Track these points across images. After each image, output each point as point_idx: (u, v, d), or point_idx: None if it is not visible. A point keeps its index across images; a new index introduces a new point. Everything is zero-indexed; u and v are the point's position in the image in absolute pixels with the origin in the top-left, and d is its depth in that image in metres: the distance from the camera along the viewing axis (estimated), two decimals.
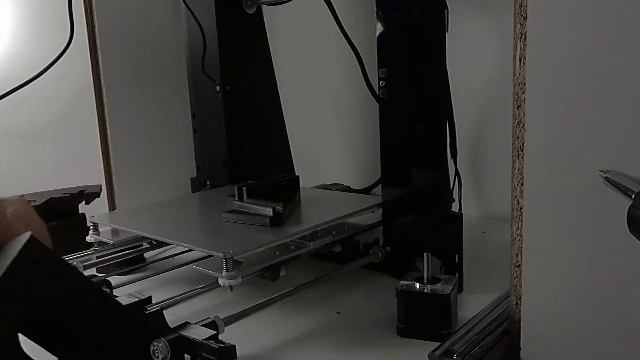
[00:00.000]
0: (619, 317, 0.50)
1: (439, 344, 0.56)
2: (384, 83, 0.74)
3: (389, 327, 0.64)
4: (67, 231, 0.85)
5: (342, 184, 1.14)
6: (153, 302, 0.55)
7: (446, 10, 0.71)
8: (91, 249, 0.78)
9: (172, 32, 1.10)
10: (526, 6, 0.51)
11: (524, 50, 0.51)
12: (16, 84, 0.94)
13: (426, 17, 0.71)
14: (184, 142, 1.12)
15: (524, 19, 0.51)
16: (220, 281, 0.62)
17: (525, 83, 0.52)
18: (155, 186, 1.09)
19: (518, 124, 0.53)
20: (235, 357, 0.49)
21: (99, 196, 0.94)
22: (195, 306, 0.69)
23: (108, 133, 1.03)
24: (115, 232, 0.80)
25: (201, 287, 0.68)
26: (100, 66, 1.01)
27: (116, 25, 1.03)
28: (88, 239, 0.79)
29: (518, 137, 0.53)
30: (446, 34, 0.71)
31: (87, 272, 0.74)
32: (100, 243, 0.79)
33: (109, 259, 0.78)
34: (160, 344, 0.49)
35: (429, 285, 0.62)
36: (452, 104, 0.78)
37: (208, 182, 1.09)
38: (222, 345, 0.49)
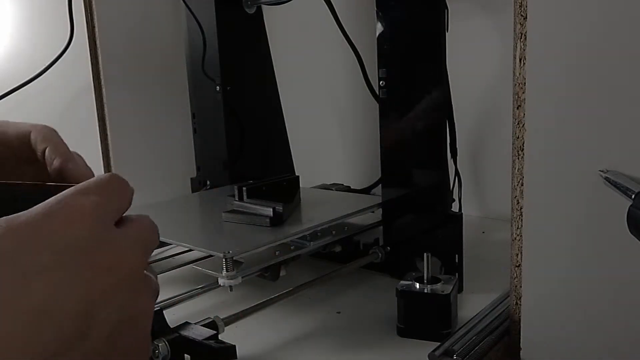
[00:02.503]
0: (619, 317, 0.50)
1: (439, 344, 0.56)
2: (384, 83, 0.74)
3: (389, 327, 0.64)
4: None
5: (342, 184, 1.14)
6: None
7: (446, 10, 0.71)
8: None
9: (172, 32, 1.10)
10: (526, 6, 0.51)
11: (524, 50, 0.51)
12: (16, 84, 0.94)
13: (426, 17, 0.71)
14: (184, 142, 1.12)
15: (524, 19, 0.51)
16: (220, 281, 0.62)
17: (525, 83, 0.52)
18: (155, 186, 1.09)
19: (518, 124, 0.53)
20: (235, 357, 0.49)
21: None
22: (195, 306, 0.69)
23: (108, 133, 1.03)
24: None
25: (201, 287, 0.68)
26: (100, 66, 1.01)
27: (116, 25, 1.03)
28: None
29: (518, 137, 0.53)
30: (446, 34, 0.71)
31: None
32: None
33: None
34: (160, 344, 0.49)
35: (429, 285, 0.62)
36: (452, 104, 0.78)
37: (208, 182, 1.09)
38: (222, 345, 0.49)
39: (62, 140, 0.36)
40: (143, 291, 0.27)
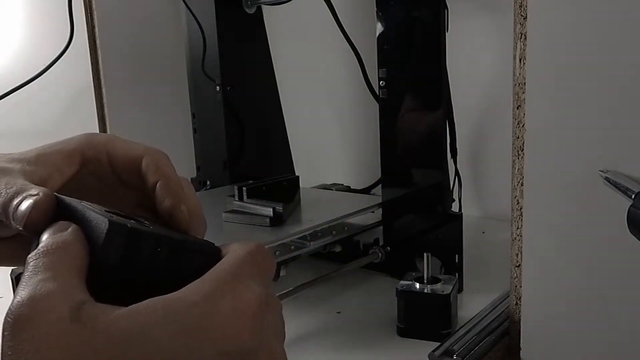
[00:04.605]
0: (618, 316, 0.50)
1: (439, 344, 0.56)
2: (384, 83, 0.74)
3: (389, 327, 0.64)
4: None
5: (342, 184, 1.14)
6: None
7: (446, 10, 0.71)
8: None
9: (172, 32, 1.10)
10: (526, 6, 0.51)
11: (524, 50, 0.51)
12: (16, 84, 0.94)
13: (426, 17, 0.71)
14: (184, 142, 1.12)
15: (524, 19, 0.51)
16: None
17: (525, 83, 0.52)
18: None
19: (518, 124, 0.53)
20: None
21: None
22: None
23: (108, 133, 1.03)
24: None
25: None
26: (100, 66, 1.01)
27: (116, 25, 1.03)
28: None
29: (518, 137, 0.53)
30: (446, 34, 0.71)
31: None
32: None
33: None
34: None
35: (429, 285, 0.62)
36: (452, 104, 0.78)
37: (208, 182, 1.09)
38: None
39: (174, 171, 0.32)
40: None
